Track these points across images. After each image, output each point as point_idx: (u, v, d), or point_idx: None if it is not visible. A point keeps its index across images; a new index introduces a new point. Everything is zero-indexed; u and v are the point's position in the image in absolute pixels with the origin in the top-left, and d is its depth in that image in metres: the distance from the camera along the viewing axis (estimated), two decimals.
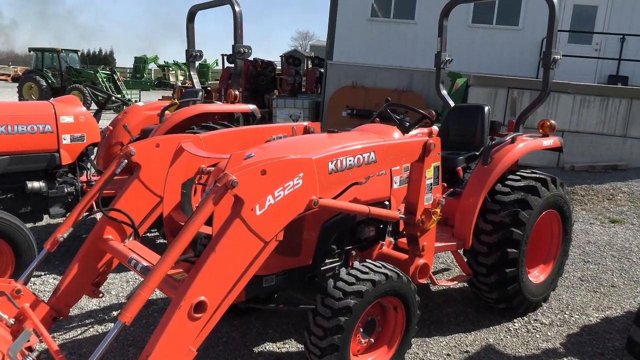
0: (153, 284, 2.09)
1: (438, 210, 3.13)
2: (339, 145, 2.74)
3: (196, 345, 2.18)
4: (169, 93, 20.68)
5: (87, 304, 3.85)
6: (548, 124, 4.15)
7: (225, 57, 18.99)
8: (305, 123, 3.89)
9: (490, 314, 3.97)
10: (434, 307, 4.06)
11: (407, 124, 4.06)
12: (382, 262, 2.88)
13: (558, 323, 3.92)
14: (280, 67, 20.38)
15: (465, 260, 3.89)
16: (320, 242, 3.03)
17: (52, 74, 22.47)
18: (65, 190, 4.50)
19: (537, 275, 4.11)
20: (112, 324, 3.28)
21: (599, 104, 10.15)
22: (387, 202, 3.35)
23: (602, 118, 10.15)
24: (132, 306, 2.05)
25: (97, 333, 3.49)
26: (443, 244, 3.60)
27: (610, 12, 13.07)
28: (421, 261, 3.22)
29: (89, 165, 4.85)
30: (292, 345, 3.41)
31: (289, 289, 3.19)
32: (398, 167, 3.38)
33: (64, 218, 4.27)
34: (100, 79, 21.60)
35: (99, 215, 3.11)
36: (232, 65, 5.72)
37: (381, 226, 3.37)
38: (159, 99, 8.92)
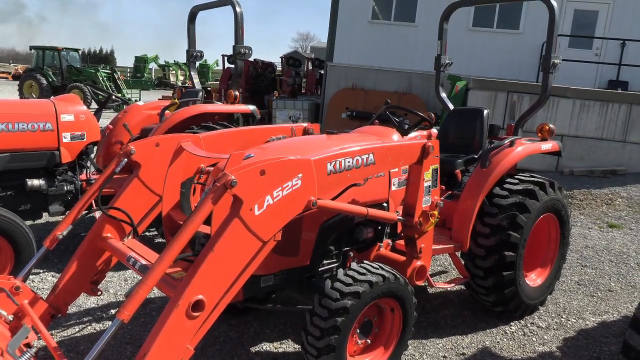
0: (151, 283, 2.10)
1: (436, 212, 3.14)
2: (338, 147, 2.75)
3: (193, 344, 2.19)
4: (169, 93, 20.70)
5: (86, 301, 3.86)
6: (547, 128, 4.15)
7: (225, 58, 19.01)
8: (305, 124, 3.91)
9: (487, 317, 3.98)
10: (431, 309, 4.08)
11: (406, 126, 4.06)
12: (379, 264, 2.88)
13: (555, 327, 3.93)
14: (280, 68, 20.42)
15: (463, 262, 3.89)
16: (318, 242, 3.04)
17: (52, 73, 22.50)
18: (65, 188, 4.51)
19: (534, 279, 4.12)
20: (110, 321, 3.29)
21: (599, 108, 10.16)
22: (385, 204, 3.36)
23: (601, 123, 10.17)
24: (130, 304, 2.06)
25: (95, 331, 3.49)
26: (441, 246, 3.61)
27: (610, 17, 13.10)
28: (419, 263, 3.23)
29: (88, 163, 4.86)
30: (289, 345, 3.42)
31: (286, 289, 3.20)
32: (396, 169, 3.39)
33: (64, 216, 4.26)
34: (101, 78, 21.64)
35: (98, 214, 3.12)
36: (233, 65, 5.74)
37: (379, 228, 3.38)
38: (159, 99, 8.94)
